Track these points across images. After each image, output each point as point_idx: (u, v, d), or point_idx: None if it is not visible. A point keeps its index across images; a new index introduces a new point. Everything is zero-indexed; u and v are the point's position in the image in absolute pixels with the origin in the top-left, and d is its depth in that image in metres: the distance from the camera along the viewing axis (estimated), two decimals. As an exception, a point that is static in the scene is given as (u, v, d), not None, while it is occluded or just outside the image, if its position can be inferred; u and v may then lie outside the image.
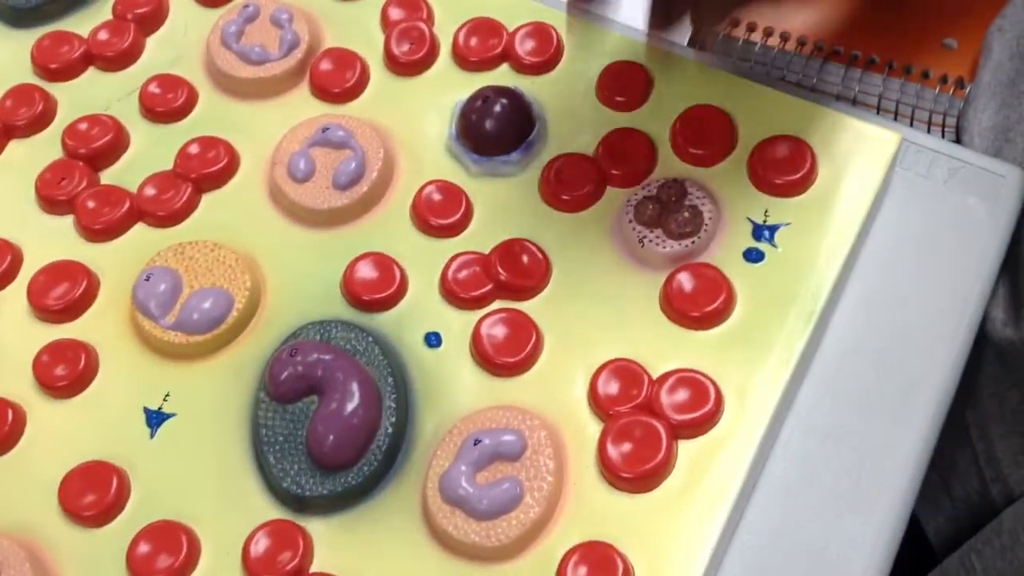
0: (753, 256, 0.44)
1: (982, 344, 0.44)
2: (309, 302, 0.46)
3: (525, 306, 0.44)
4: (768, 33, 0.55)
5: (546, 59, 0.50)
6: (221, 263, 0.46)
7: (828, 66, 0.54)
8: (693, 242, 0.44)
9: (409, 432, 0.42)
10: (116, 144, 0.51)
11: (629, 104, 0.48)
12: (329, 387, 0.42)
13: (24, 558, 0.40)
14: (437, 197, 0.47)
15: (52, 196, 0.50)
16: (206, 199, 0.49)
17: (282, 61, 0.52)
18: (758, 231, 0.44)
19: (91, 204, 0.49)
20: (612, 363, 0.42)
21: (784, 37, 0.55)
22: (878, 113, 0.53)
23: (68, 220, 0.50)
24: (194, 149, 0.50)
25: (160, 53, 0.54)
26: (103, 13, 0.56)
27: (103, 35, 0.54)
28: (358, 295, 0.45)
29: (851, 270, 0.45)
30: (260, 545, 0.40)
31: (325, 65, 0.52)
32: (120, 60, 0.54)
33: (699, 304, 0.42)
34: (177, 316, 0.45)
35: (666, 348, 0.42)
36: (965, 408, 0.50)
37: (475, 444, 0.40)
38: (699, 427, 0.40)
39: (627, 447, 0.40)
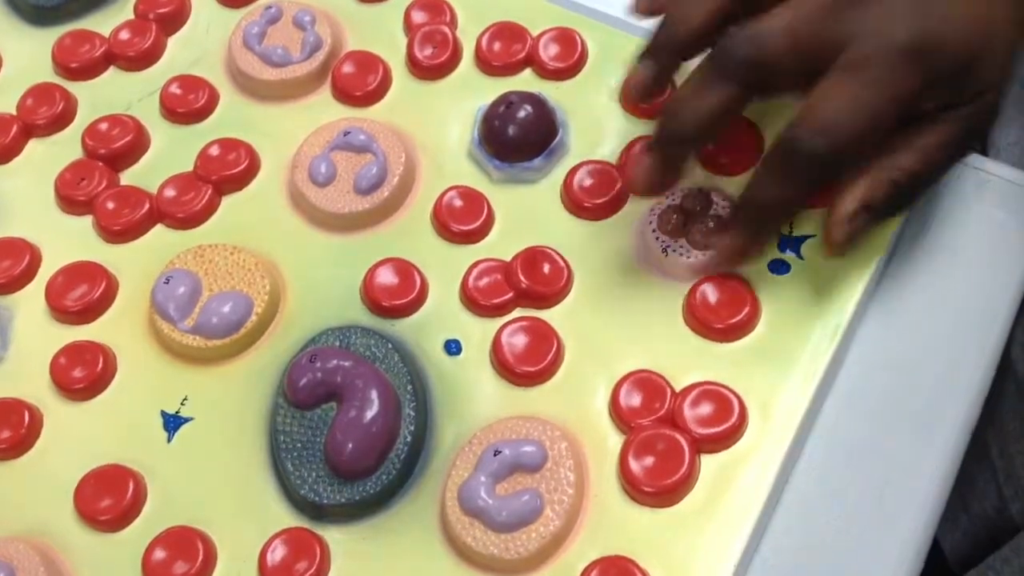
0: (778, 268, 0.43)
1: (1003, 367, 0.43)
2: (328, 307, 0.45)
3: (546, 315, 0.44)
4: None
5: (570, 65, 0.50)
6: (241, 267, 0.46)
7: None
8: (717, 252, 0.43)
9: (428, 441, 0.42)
10: (136, 145, 0.51)
11: (654, 111, 0.48)
12: (348, 394, 0.41)
13: (39, 562, 0.40)
14: (458, 203, 0.47)
15: (71, 196, 0.50)
16: (226, 201, 0.49)
17: (304, 63, 0.51)
18: (783, 242, 0.44)
19: (110, 205, 0.49)
20: (634, 374, 0.41)
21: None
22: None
23: (87, 221, 0.49)
24: (215, 151, 0.50)
25: (181, 53, 0.54)
26: (125, 12, 0.56)
27: (124, 35, 0.54)
28: (378, 301, 0.45)
29: (877, 283, 0.44)
30: (277, 553, 0.40)
31: (347, 68, 0.51)
32: (141, 60, 0.54)
33: (723, 316, 0.42)
34: (196, 320, 0.44)
35: (689, 360, 0.42)
36: (985, 425, 0.50)
37: (495, 455, 0.40)
38: (722, 441, 0.40)
39: (649, 460, 0.39)
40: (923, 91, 0.38)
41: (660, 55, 0.41)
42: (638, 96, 0.43)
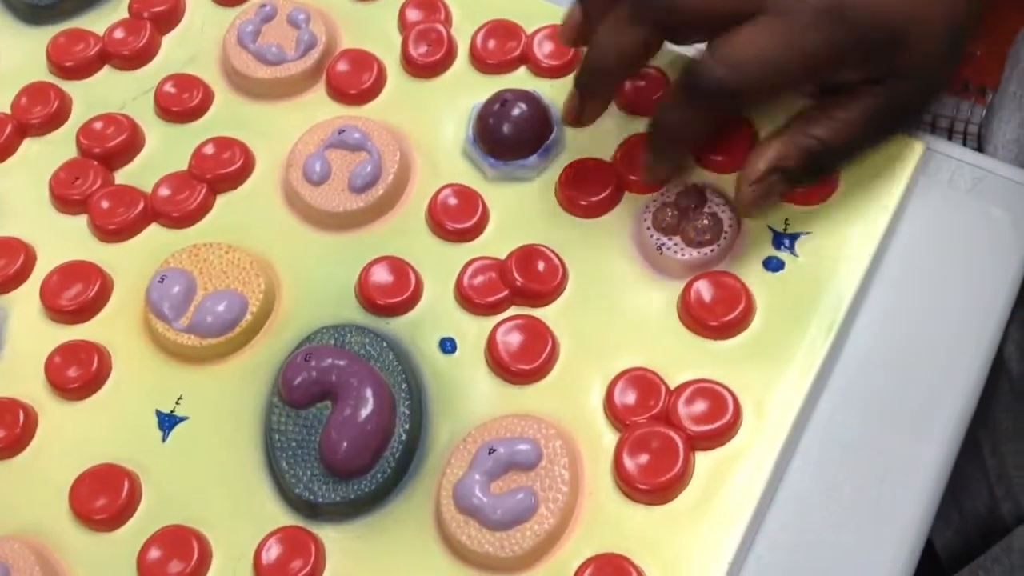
0: (773, 265, 0.43)
1: (996, 365, 0.43)
2: (323, 306, 0.45)
3: (541, 313, 0.44)
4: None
5: (564, 62, 0.50)
6: (235, 265, 0.46)
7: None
8: (712, 250, 0.43)
9: (423, 439, 0.42)
10: (131, 144, 0.51)
11: (648, 109, 0.48)
12: (343, 393, 0.41)
13: (34, 561, 0.40)
14: (453, 201, 0.47)
15: (66, 195, 0.49)
16: (221, 200, 0.49)
17: (299, 62, 0.51)
18: (778, 240, 0.44)
19: (105, 204, 0.49)
20: (629, 372, 0.41)
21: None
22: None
23: (82, 220, 0.49)
24: (209, 150, 0.50)
25: (176, 52, 0.54)
26: (119, 11, 0.56)
27: (119, 33, 0.54)
28: (373, 299, 0.45)
29: (872, 280, 0.44)
30: (272, 552, 0.40)
31: (342, 66, 0.51)
32: (136, 59, 0.54)
33: (718, 313, 0.42)
34: (191, 319, 0.44)
35: (684, 358, 0.42)
36: (977, 423, 0.50)
37: (490, 453, 0.40)
38: (717, 439, 0.40)
39: (644, 458, 0.39)
40: (838, 56, 0.38)
41: (587, 83, 0.43)
42: (570, 123, 0.45)
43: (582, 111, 0.44)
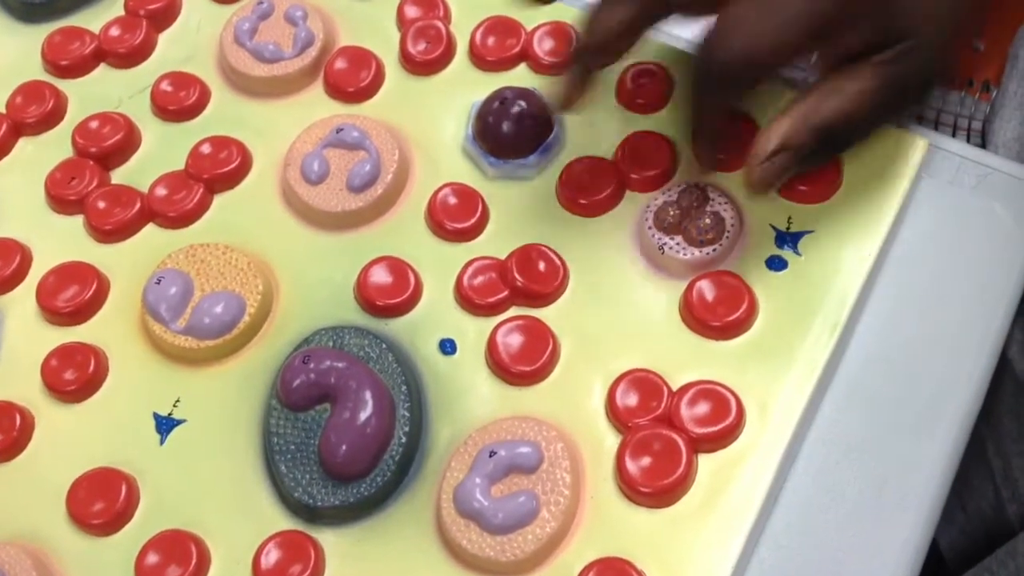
0: (776, 264, 0.43)
1: (1000, 366, 0.43)
2: (322, 307, 0.45)
3: (542, 313, 0.43)
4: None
5: (565, 59, 0.49)
6: (233, 266, 0.45)
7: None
8: (714, 249, 0.43)
9: (423, 442, 0.41)
10: (127, 143, 0.50)
11: (649, 107, 0.47)
12: (342, 395, 0.41)
13: (31, 566, 0.40)
14: (453, 200, 0.46)
15: (62, 196, 0.49)
16: (218, 200, 0.49)
17: (296, 59, 0.51)
18: (781, 239, 0.43)
19: (101, 204, 0.49)
20: (630, 373, 0.41)
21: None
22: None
23: (78, 220, 0.49)
24: (206, 149, 0.49)
25: (172, 50, 0.54)
26: (115, 9, 0.55)
27: (114, 31, 0.54)
28: (372, 300, 0.44)
29: (876, 279, 0.44)
30: (271, 556, 0.39)
31: (340, 64, 0.51)
32: (132, 57, 0.53)
33: (720, 313, 0.42)
34: (188, 320, 0.44)
35: (686, 358, 0.41)
36: (981, 424, 0.49)
37: (490, 456, 0.39)
38: (720, 440, 0.39)
39: (646, 461, 0.39)
40: (839, 21, 0.38)
41: (587, 60, 0.43)
42: (559, 106, 0.44)
43: (573, 89, 0.43)
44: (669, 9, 0.41)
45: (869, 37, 0.39)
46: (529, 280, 0.44)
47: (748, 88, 0.41)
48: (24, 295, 0.47)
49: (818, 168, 0.43)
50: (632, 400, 0.40)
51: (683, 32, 0.48)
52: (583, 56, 0.43)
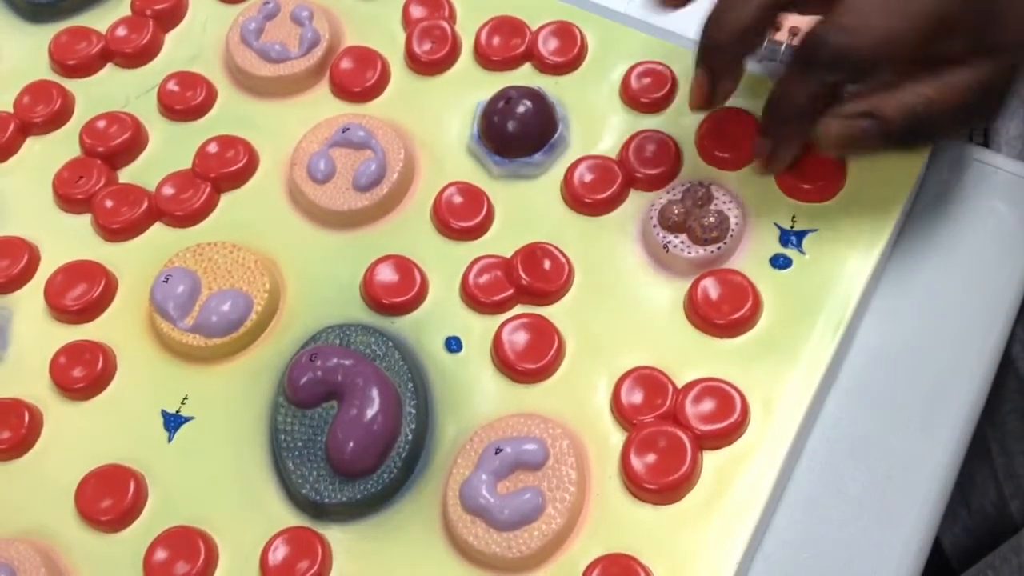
0: (780, 263, 0.43)
1: (1004, 364, 0.43)
2: (328, 305, 0.45)
3: (547, 311, 0.44)
4: (794, 33, 0.54)
5: (569, 59, 0.49)
6: (240, 265, 0.45)
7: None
8: (719, 247, 0.43)
9: (429, 439, 0.42)
10: (134, 142, 0.51)
11: (654, 106, 0.48)
12: (349, 393, 0.41)
13: (40, 563, 0.40)
14: (458, 199, 0.46)
15: (70, 195, 0.49)
16: (225, 199, 0.49)
17: (302, 59, 0.51)
18: (785, 237, 0.44)
19: (109, 203, 0.49)
20: (636, 371, 0.41)
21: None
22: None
23: (86, 219, 0.49)
24: (213, 148, 0.50)
25: (179, 50, 0.54)
26: (122, 9, 0.55)
27: (121, 31, 0.54)
28: (378, 298, 0.44)
29: (879, 277, 0.44)
30: (278, 553, 0.40)
31: (345, 64, 0.51)
32: (138, 57, 0.54)
33: (725, 311, 0.42)
34: (196, 318, 0.44)
35: (691, 356, 0.42)
36: (985, 423, 0.49)
37: (496, 452, 0.39)
38: (725, 438, 0.40)
39: (651, 458, 0.39)
40: (948, 23, 0.37)
41: (712, 61, 0.42)
42: (701, 105, 0.43)
43: (714, 90, 0.42)
44: (791, 6, 0.41)
45: (969, 45, 0.38)
46: (534, 278, 0.44)
47: (853, 80, 0.40)
48: (32, 293, 0.47)
49: (827, 165, 0.43)
50: (637, 397, 0.41)
51: (687, 31, 0.48)
52: (714, 57, 0.42)
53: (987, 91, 0.39)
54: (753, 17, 0.40)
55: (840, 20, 0.38)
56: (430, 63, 0.51)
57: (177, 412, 0.44)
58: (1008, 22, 0.38)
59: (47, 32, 0.55)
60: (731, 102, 0.45)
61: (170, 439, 0.43)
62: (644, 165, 0.46)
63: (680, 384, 0.41)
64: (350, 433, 0.40)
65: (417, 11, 0.52)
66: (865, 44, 0.38)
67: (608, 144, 0.47)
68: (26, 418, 0.44)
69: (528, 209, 0.46)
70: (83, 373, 0.44)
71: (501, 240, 0.46)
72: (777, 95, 0.41)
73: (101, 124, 0.51)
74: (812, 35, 0.38)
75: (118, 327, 0.46)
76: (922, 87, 0.39)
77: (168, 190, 0.49)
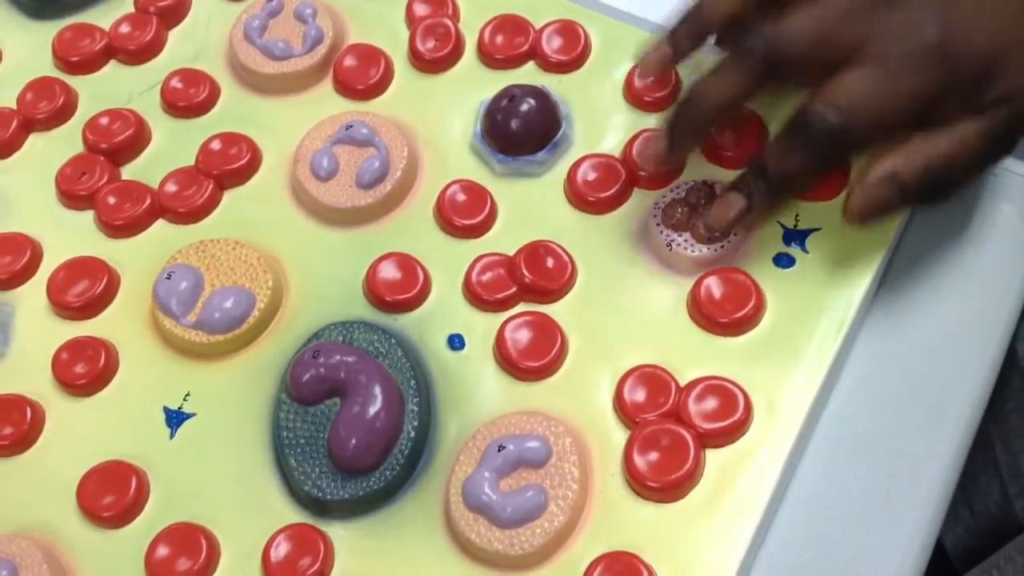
0: (783, 261, 0.43)
1: (1008, 362, 0.43)
2: (331, 302, 0.45)
3: (550, 309, 0.44)
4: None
5: (573, 57, 0.49)
6: (243, 262, 0.45)
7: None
8: (722, 246, 0.43)
9: (431, 436, 0.42)
10: (137, 139, 0.51)
11: (657, 104, 0.48)
12: (351, 390, 0.41)
13: (41, 559, 0.40)
14: (461, 197, 0.46)
15: (72, 191, 0.49)
16: (228, 196, 0.49)
17: (305, 57, 0.51)
18: (788, 236, 0.44)
19: (112, 200, 0.49)
20: (638, 369, 0.41)
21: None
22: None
23: (88, 215, 0.49)
24: (216, 145, 0.50)
25: (182, 47, 0.54)
26: (125, 5, 0.55)
27: (125, 28, 0.54)
28: (381, 296, 0.44)
29: (883, 276, 0.44)
30: (280, 549, 0.40)
31: (349, 61, 0.51)
32: (142, 54, 0.54)
33: (728, 310, 0.42)
34: (198, 315, 0.44)
35: (694, 355, 0.42)
36: (988, 421, 0.49)
37: (499, 450, 0.39)
38: (727, 436, 0.40)
39: (654, 456, 0.39)
40: (942, 92, 0.38)
41: (683, 37, 0.43)
42: (651, 71, 0.44)
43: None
44: (778, 84, 0.41)
45: (967, 106, 0.39)
46: (537, 276, 0.44)
47: (838, 157, 0.42)
48: (35, 290, 0.47)
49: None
50: (640, 396, 0.41)
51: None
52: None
53: (1003, 136, 0.40)
54: (735, 95, 0.40)
55: (829, 99, 0.38)
56: (434, 61, 0.51)
57: (179, 409, 0.44)
58: (1006, 73, 0.38)
59: (51, 29, 0.55)
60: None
61: (172, 435, 0.43)
62: (647, 163, 0.46)
63: (683, 382, 0.41)
64: (352, 430, 0.40)
65: (421, 9, 0.52)
66: (858, 124, 0.38)
67: (611, 143, 0.47)
68: (28, 414, 0.44)
69: (531, 207, 0.46)
70: (85, 369, 0.44)
71: (504, 238, 0.46)
72: (771, 165, 0.41)
73: (104, 121, 0.51)
74: (804, 113, 0.39)
75: (120, 323, 0.46)
76: (938, 145, 0.39)
77: (171, 187, 0.49)
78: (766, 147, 0.41)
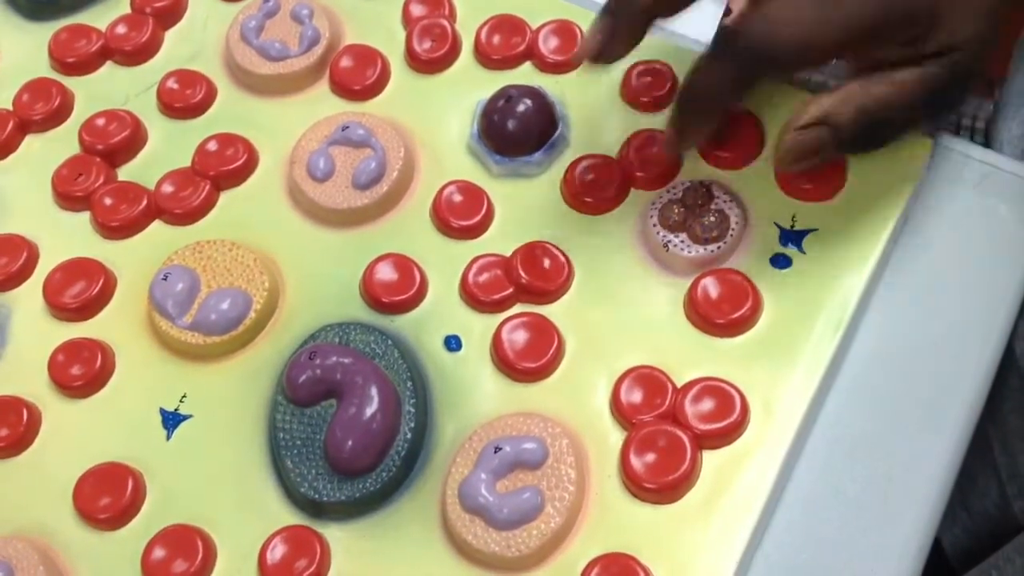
0: (780, 262, 0.43)
1: (1006, 362, 0.43)
2: (327, 303, 0.45)
3: (547, 310, 0.44)
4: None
5: (570, 58, 0.49)
6: (239, 263, 0.45)
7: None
8: (719, 247, 0.43)
9: (428, 438, 0.42)
10: (133, 140, 0.51)
11: (654, 105, 0.48)
12: (348, 391, 0.41)
13: (37, 561, 0.40)
14: (458, 198, 0.46)
15: (69, 192, 0.49)
16: (224, 197, 0.49)
17: (302, 57, 0.51)
18: (785, 236, 0.44)
19: (108, 201, 0.49)
20: (635, 370, 0.41)
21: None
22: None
23: (85, 217, 0.49)
24: (212, 146, 0.49)
25: (178, 48, 0.54)
26: (121, 6, 0.55)
27: (121, 29, 0.54)
28: (377, 297, 0.44)
29: (880, 277, 0.44)
30: (277, 551, 0.40)
31: (345, 62, 0.51)
32: (138, 54, 0.54)
33: (724, 311, 0.42)
34: (194, 316, 0.44)
35: (690, 355, 0.42)
36: (986, 421, 0.49)
37: (495, 451, 0.39)
38: (724, 437, 0.40)
39: (650, 457, 0.39)
40: (875, 29, 0.37)
41: (620, 16, 0.41)
42: (588, 56, 0.42)
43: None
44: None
45: (905, 52, 0.38)
46: (534, 277, 0.44)
47: (761, 76, 0.40)
48: (31, 291, 0.47)
49: (827, 165, 0.43)
50: (636, 397, 0.41)
51: (689, 31, 0.48)
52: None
53: (943, 86, 0.39)
54: (723, 81, 0.39)
55: (766, 10, 0.37)
56: (430, 61, 0.50)
57: (175, 410, 0.44)
58: (949, 24, 0.38)
59: (47, 30, 0.55)
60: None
61: (168, 437, 0.43)
62: (644, 164, 0.46)
63: (680, 383, 0.41)
64: (349, 432, 0.40)
65: (417, 9, 0.52)
66: (782, 39, 0.37)
67: (608, 143, 0.47)
68: (24, 416, 0.44)
69: (528, 208, 0.46)
70: (81, 371, 0.44)
71: (501, 239, 0.46)
72: (689, 80, 0.41)
73: (100, 122, 0.51)
74: (728, 26, 0.38)
75: (117, 325, 0.46)
76: (874, 88, 0.38)
77: (167, 188, 0.49)
78: (693, 64, 0.41)
